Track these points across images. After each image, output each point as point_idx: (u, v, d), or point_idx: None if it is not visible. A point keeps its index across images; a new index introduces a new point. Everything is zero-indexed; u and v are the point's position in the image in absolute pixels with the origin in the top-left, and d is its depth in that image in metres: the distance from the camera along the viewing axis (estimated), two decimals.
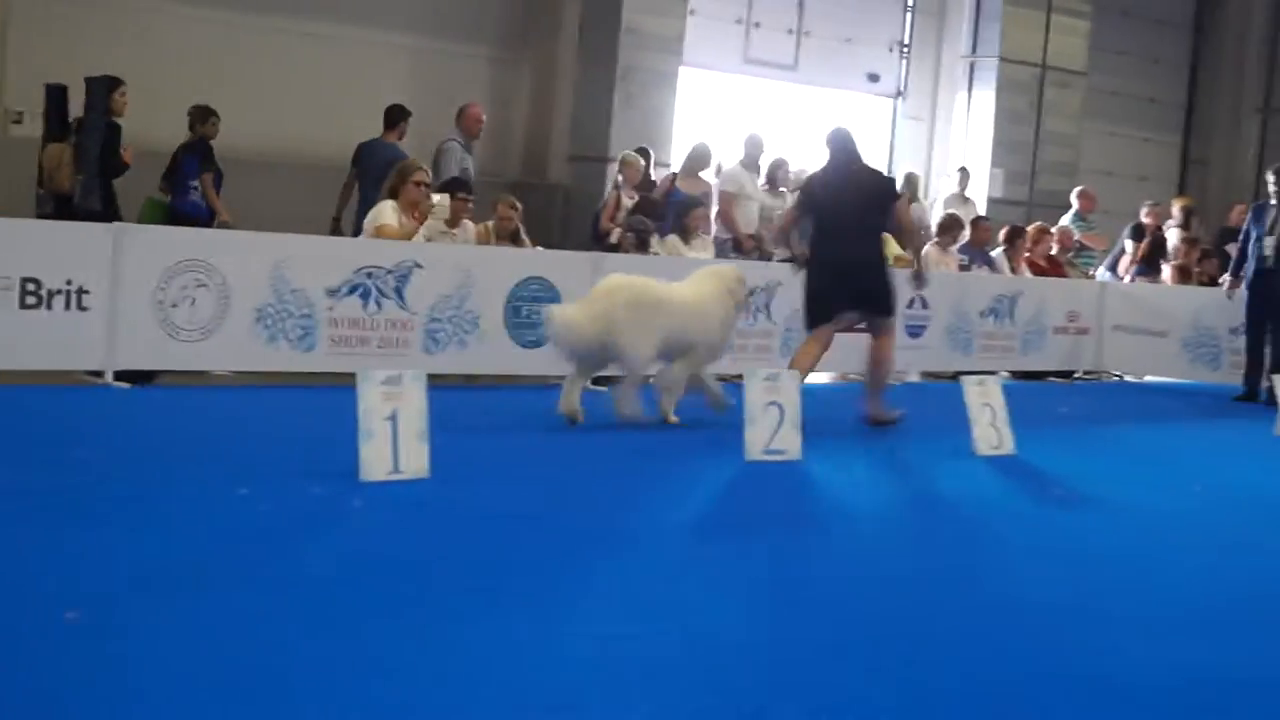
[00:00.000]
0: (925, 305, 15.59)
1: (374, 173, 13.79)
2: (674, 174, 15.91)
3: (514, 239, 13.83)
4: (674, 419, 11.00)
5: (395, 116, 14.67)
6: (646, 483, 8.81)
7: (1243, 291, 15.97)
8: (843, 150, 11.80)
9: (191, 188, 13.75)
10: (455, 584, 6.01)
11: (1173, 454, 11.79)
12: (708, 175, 16.17)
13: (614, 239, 14.66)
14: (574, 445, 10.22)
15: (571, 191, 17.22)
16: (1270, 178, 16.12)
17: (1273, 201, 15.84)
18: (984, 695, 5.03)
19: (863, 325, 11.81)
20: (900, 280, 12.21)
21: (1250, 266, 15.83)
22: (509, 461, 9.28)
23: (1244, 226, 16.50)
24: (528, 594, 5.93)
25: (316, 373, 11.89)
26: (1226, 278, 16.68)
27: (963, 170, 19.67)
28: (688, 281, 11.25)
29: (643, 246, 14.40)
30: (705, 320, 11.01)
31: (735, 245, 15.71)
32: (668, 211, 15.06)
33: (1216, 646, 5.87)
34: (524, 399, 12.68)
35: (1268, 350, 15.72)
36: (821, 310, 11.58)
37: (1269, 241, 15.66)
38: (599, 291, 10.73)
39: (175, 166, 13.86)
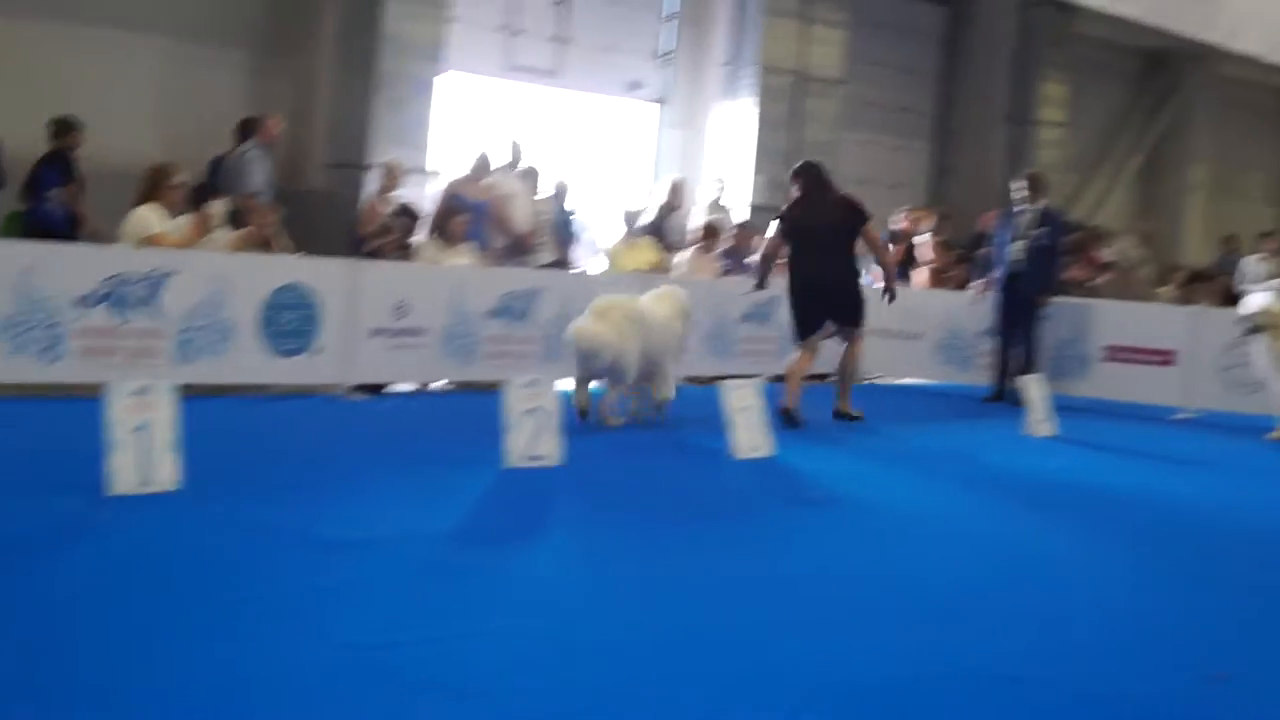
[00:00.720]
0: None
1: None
2: (456, 180, 15.84)
3: (269, 247, 13.65)
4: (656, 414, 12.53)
5: (252, 127, 14.49)
6: (404, 492, 8.74)
7: (992, 295, 16.40)
8: (815, 181, 13.51)
9: (46, 198, 13.38)
10: (206, 598, 5.92)
11: (925, 452, 12.05)
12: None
13: (374, 245, 14.54)
14: (330, 455, 10.14)
15: (330, 198, 17.02)
16: (1017, 184, 16.57)
17: (1018, 208, 16.29)
18: (708, 694, 5.09)
19: (835, 333, 13.43)
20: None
21: (999, 271, 16.25)
22: (263, 472, 9.15)
23: (993, 232, 16.96)
24: (280, 606, 5.87)
25: (65, 385, 11.58)
26: (977, 282, 17.11)
27: (720, 179, 19.90)
28: (650, 300, 12.53)
29: (403, 251, 14.32)
30: (670, 337, 12.43)
31: (516, 247, 15.71)
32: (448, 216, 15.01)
33: (957, 639, 6.02)
34: (280, 409, 12.52)
35: (1015, 352, 16.17)
36: (809, 324, 13.19)
37: (1016, 247, 16.11)
38: (603, 308, 11.97)
39: (33, 178, 13.50)
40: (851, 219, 13.26)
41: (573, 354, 11.96)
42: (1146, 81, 29.06)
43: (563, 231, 16.94)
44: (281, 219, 14.09)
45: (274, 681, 4.89)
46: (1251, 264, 23.12)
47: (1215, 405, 15.85)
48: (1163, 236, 27.95)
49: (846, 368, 13.67)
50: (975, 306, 16.79)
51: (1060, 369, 16.30)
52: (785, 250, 13.50)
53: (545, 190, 16.59)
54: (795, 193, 13.57)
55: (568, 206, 17.16)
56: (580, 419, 11.70)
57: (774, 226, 13.78)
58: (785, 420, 12.58)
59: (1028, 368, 15.64)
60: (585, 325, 11.92)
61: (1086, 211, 26.57)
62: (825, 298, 13.22)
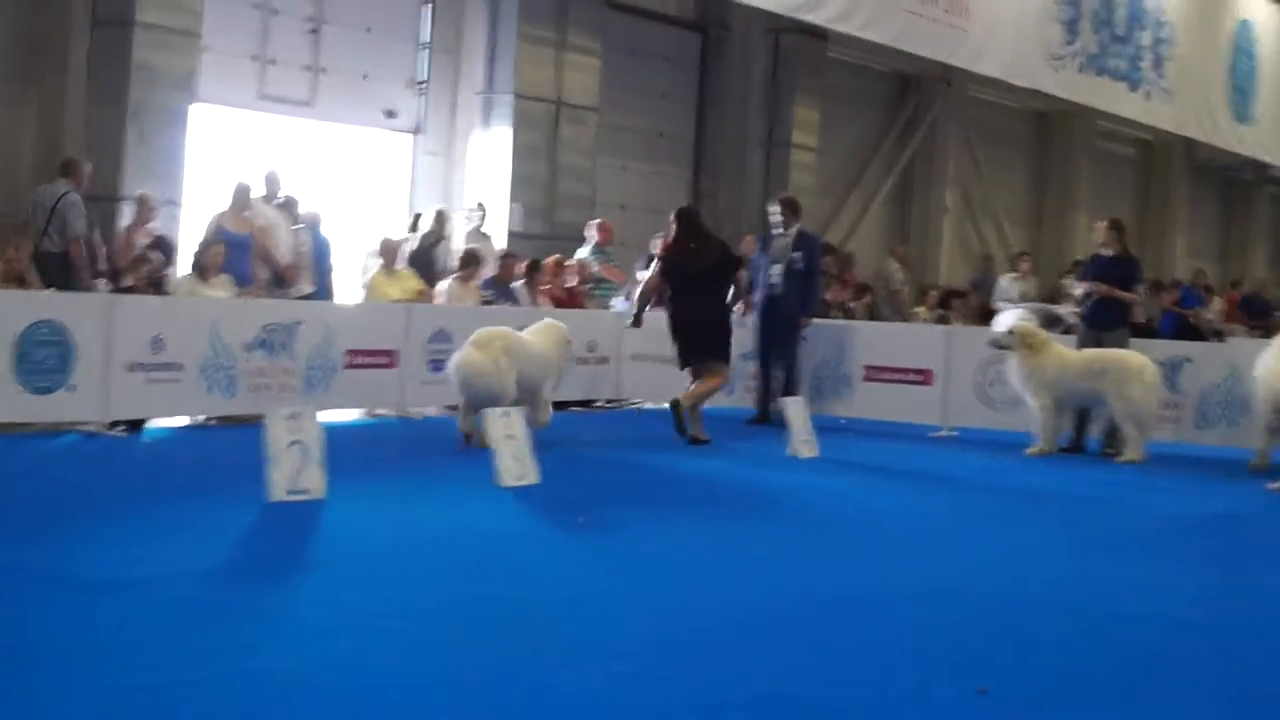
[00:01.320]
0: (448, 339, 15.67)
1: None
2: (219, 213, 15.61)
3: (20, 281, 13.32)
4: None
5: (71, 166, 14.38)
6: (167, 530, 8.58)
7: (752, 318, 16.53)
8: (692, 225, 14.71)
9: None
10: None
11: (693, 478, 12.16)
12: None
13: (129, 279, 14.28)
14: (90, 493, 9.94)
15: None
16: (773, 208, 16.82)
17: (775, 231, 16.56)
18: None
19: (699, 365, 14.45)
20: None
21: (759, 294, 16.49)
22: (17, 513, 8.92)
23: (753, 256, 17.18)
24: (40, 650, 5.74)
25: None
26: (738, 304, 17.34)
27: (480, 205, 19.89)
28: (531, 332, 13.65)
29: (157, 286, 14.08)
30: (548, 366, 13.57)
31: (276, 279, 15.53)
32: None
33: (719, 664, 6.10)
34: (36, 448, 12.22)
35: (776, 374, 16.41)
36: (688, 355, 14.44)
37: (775, 270, 16.36)
38: (484, 339, 12.99)
39: None
40: (726, 263, 14.75)
41: (456, 384, 12.99)
42: (898, 105, 29.72)
43: (321, 263, 16.80)
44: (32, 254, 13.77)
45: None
46: (1005, 283, 23.82)
47: (974, 422, 16.24)
48: (918, 257, 28.67)
49: (700, 395, 14.35)
50: (737, 330, 17.01)
51: (821, 390, 16.59)
52: (665, 288, 14.70)
53: (303, 221, 16.44)
54: (673, 233, 14.71)
55: (324, 237, 17.02)
56: (465, 444, 12.79)
57: (655, 266, 15.07)
58: (690, 441, 13.95)
59: (789, 389, 15.88)
60: (465, 356, 12.95)
61: (842, 234, 27.07)
62: (697, 333, 14.39)
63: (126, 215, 15.94)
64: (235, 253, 15.01)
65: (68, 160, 14.73)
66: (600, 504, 10.24)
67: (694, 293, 14.38)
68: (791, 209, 16.72)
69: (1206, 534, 10.63)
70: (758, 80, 25.55)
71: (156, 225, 15.28)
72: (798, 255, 16.43)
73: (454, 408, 15.26)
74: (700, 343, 14.40)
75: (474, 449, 12.46)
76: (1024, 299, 23.03)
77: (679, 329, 14.49)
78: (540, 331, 13.80)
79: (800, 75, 25.60)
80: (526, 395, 13.13)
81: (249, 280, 15.18)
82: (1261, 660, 6.68)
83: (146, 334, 13.11)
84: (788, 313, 16.39)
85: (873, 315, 22.01)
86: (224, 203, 15.87)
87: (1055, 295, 24.25)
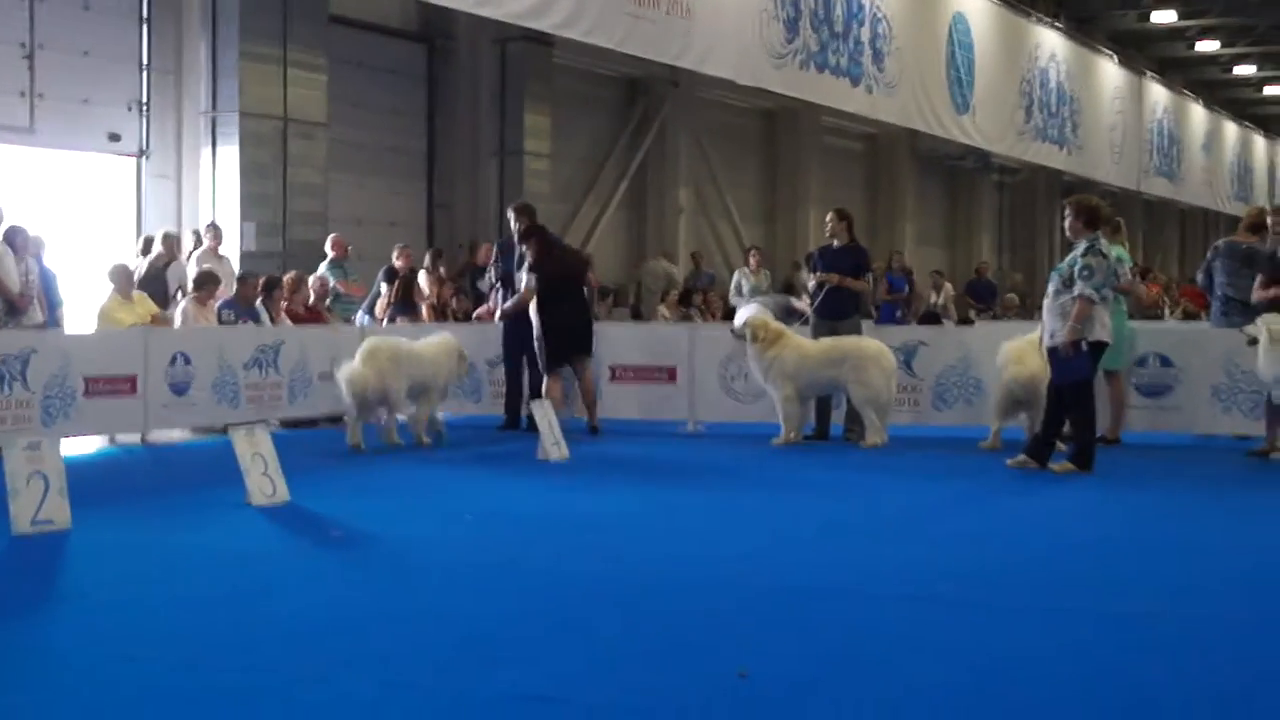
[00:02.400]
0: (189, 361, 15.41)
1: None
2: None
3: None
4: (426, 440, 14.86)
5: None
6: None
7: (501, 324, 16.56)
8: (548, 235, 16.38)
9: None
10: None
11: (444, 486, 12.12)
12: None
13: None
14: None
15: None
16: (510, 215, 16.81)
17: (516, 239, 16.46)
18: None
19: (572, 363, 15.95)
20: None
21: (504, 301, 16.50)
22: None
23: (493, 263, 17.20)
24: None
25: None
26: (480, 310, 17.33)
27: (213, 226, 19.56)
28: (421, 343, 15.03)
29: None
30: (436, 371, 14.79)
31: (9, 309, 15.01)
32: None
33: (480, 663, 6.12)
34: None
35: (525, 379, 16.40)
36: (559, 358, 15.75)
37: (521, 277, 16.20)
38: (371, 349, 14.32)
39: None
40: (583, 267, 16.65)
41: (344, 395, 14.18)
42: (628, 108, 29.99)
43: (50, 293, 16.35)
44: None
45: None
46: (737, 277, 24.18)
47: (720, 417, 16.44)
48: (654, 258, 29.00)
49: (589, 391, 16.05)
50: (484, 336, 17.02)
51: (567, 392, 16.58)
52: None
53: (28, 250, 15.99)
54: (530, 245, 15.86)
55: (48, 267, 16.57)
56: (354, 452, 14.03)
57: (532, 278, 15.78)
58: (593, 430, 15.72)
59: (536, 393, 15.92)
60: (353, 367, 14.16)
61: (581, 238, 27.21)
62: (575, 335, 15.80)
63: None
64: None
65: None
66: (353, 518, 10.15)
67: (568, 297, 15.82)
68: (527, 215, 16.58)
69: (955, 512, 10.92)
70: (486, 89, 25.59)
71: None
72: None
73: (205, 429, 15.16)
74: (580, 342, 15.86)
75: (362, 457, 13.82)
76: (756, 293, 23.43)
77: (559, 332, 15.67)
78: (433, 343, 15.00)
79: (529, 83, 25.71)
80: (418, 397, 14.78)
81: None
82: (1017, 630, 6.89)
83: None
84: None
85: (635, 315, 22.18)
86: None
87: (791, 288, 24.71)
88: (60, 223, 18.39)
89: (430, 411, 15.02)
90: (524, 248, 15.98)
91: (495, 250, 17.40)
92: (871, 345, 14.75)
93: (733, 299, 23.66)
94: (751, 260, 25.14)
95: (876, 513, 10.71)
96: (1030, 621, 7.03)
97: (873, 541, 9.33)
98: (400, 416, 14.95)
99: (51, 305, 16.22)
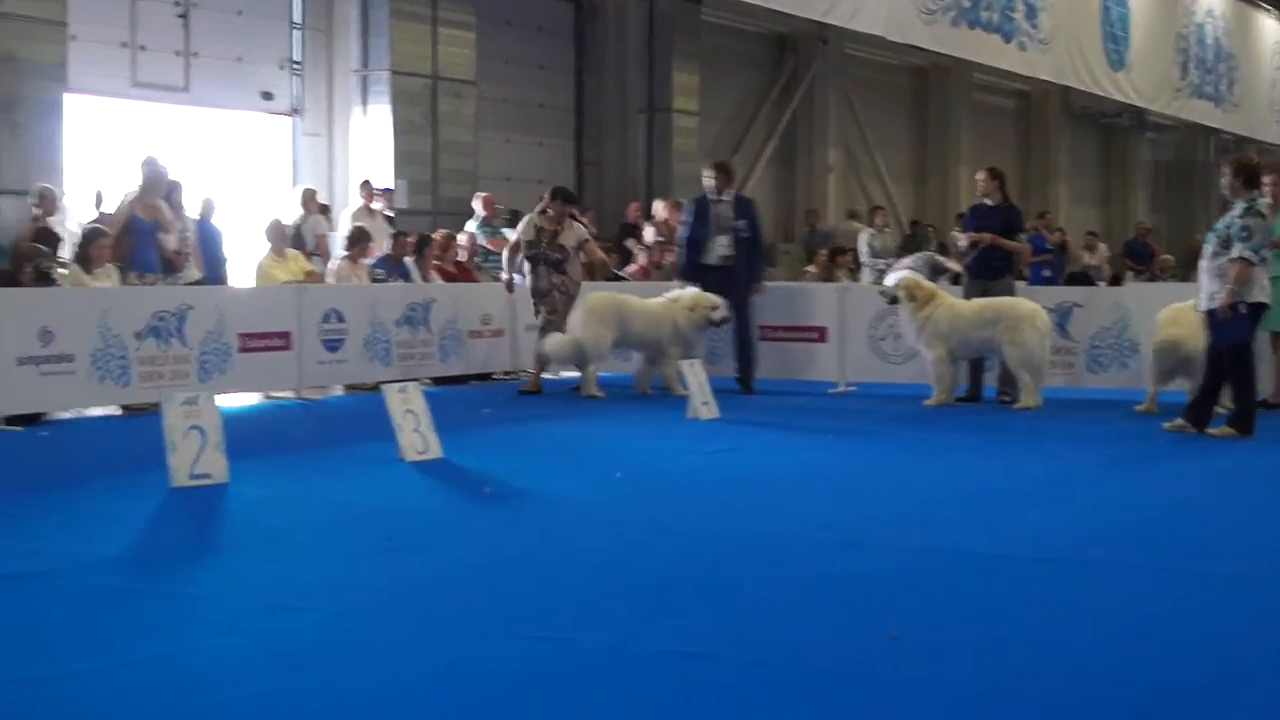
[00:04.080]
0: (342, 319, 15.57)
1: None
2: (127, 201, 15.30)
3: None
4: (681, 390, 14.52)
5: None
6: (67, 521, 8.46)
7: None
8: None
9: None
10: None
11: (594, 444, 12.13)
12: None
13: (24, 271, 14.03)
14: None
15: None
16: (706, 174, 16.21)
17: (711, 198, 15.87)
18: (457, 707, 5.07)
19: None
20: None
21: (688, 263, 16.01)
22: None
23: (684, 227, 16.30)
24: None
25: None
26: (634, 267, 17.18)
27: (366, 184, 19.73)
28: (649, 301, 15.58)
29: (43, 277, 13.83)
30: (659, 325, 15.29)
31: (166, 266, 15.25)
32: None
33: (634, 625, 6.10)
34: None
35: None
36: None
37: (723, 240, 15.73)
38: (592, 305, 15.29)
39: None
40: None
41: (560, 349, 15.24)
42: (776, 66, 29.82)
43: (213, 251, 16.62)
44: None
45: None
46: (865, 239, 23.90)
47: (870, 377, 16.31)
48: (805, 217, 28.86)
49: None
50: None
51: (718, 352, 16.51)
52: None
53: (188, 208, 16.24)
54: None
55: (215, 226, 16.85)
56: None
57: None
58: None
59: (747, 358, 15.86)
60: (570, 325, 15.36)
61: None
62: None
63: (8, 210, 15.70)
64: (143, 240, 14.78)
65: None
66: (504, 474, 10.19)
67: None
68: (725, 174, 16.15)
69: (1109, 476, 10.74)
70: (634, 46, 25.54)
71: (58, 219, 15.04)
72: (742, 223, 15.92)
73: (354, 387, 15.28)
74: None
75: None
76: (884, 253, 23.20)
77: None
78: (658, 301, 15.46)
79: (677, 39, 25.64)
80: (652, 354, 15.47)
81: (156, 267, 14.93)
82: (1169, 594, 6.77)
83: (34, 327, 12.88)
84: (741, 281, 15.86)
85: None
86: (126, 191, 15.46)
87: (944, 249, 24.43)
88: (216, 181, 18.60)
89: (666, 367, 15.20)
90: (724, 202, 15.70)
91: (692, 206, 16.34)
92: (1026, 306, 14.54)
93: (864, 259, 23.43)
94: (877, 220, 24.88)
95: (1028, 476, 10.56)
96: (1183, 585, 6.91)
97: (1023, 505, 9.20)
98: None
99: (215, 262, 16.48)
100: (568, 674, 5.34)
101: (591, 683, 5.24)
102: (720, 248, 15.79)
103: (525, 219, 16.08)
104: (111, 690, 5.06)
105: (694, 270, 15.87)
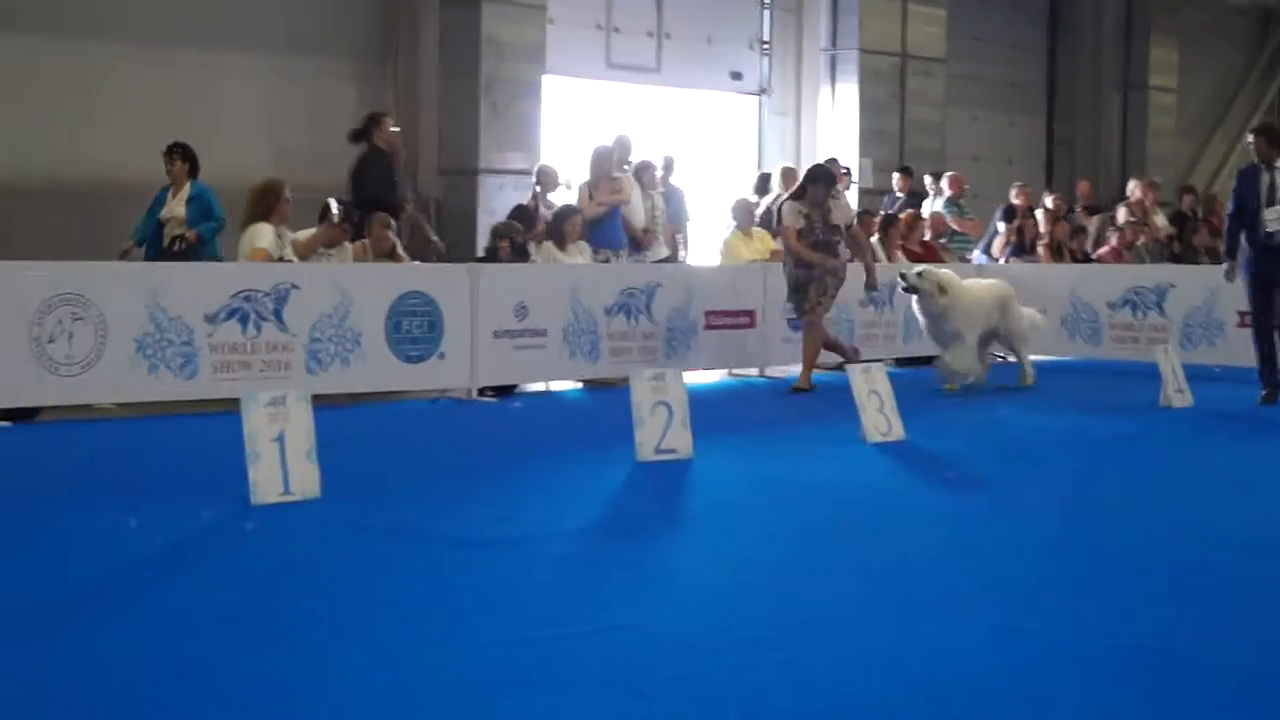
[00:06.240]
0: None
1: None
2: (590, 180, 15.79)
3: (391, 256, 13.70)
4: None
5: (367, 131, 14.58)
6: (539, 490, 8.76)
7: (1242, 274, 13.71)
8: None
9: None
10: (354, 601, 5.94)
11: (1057, 436, 11.83)
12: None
13: (490, 248, 14.59)
14: (463, 456, 10.18)
15: (442, 204, 17.09)
16: (1249, 141, 14.04)
17: (1259, 166, 13.45)
18: (915, 690, 5.03)
19: None
20: None
21: (1255, 237, 13.45)
22: (400, 477, 9.20)
23: (1232, 199, 13.83)
24: (429, 606, 5.87)
25: (200, 400, 11.71)
26: (1105, 249, 16.62)
27: (833, 162, 19.74)
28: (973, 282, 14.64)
29: (520, 254, 14.33)
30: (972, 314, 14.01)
31: (634, 244, 15.66)
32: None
33: (1096, 616, 5.92)
34: (409, 413, 12.61)
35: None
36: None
37: (1272, 214, 13.29)
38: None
39: None
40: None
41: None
42: (1260, 40, 28.59)
43: (676, 226, 16.94)
44: (428, 221, 14.18)
45: (444, 678, 4.89)
46: None
47: None
48: None
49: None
50: (1103, 278, 16.43)
51: (1191, 338, 15.87)
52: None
53: (657, 186, 16.57)
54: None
55: (679, 201, 17.15)
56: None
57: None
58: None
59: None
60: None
61: (1206, 178, 26.18)
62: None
63: (486, 188, 16.32)
64: (608, 217, 15.21)
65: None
66: (969, 459, 10.05)
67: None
68: (1271, 140, 13.55)
69: None
70: (1110, 22, 24.90)
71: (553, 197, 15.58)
72: None
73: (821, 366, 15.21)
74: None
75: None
76: None
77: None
78: (974, 286, 14.45)
79: (1155, 15, 24.90)
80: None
81: (620, 245, 15.34)
82: None
83: (510, 302, 13.36)
84: None
85: None
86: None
87: None
88: (686, 160, 18.90)
89: (966, 354, 13.91)
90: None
91: (1237, 179, 13.87)
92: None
93: None
94: None
95: None
96: None
97: None
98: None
99: (677, 220, 16.84)
100: (1019, 665, 5.20)
101: (1042, 675, 5.09)
102: (1272, 222, 13.33)
103: (786, 206, 14.54)
104: (586, 656, 5.18)
105: (1236, 247, 13.64)
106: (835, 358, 14.76)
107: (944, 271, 14.37)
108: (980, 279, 15.17)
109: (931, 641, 5.45)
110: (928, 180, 19.80)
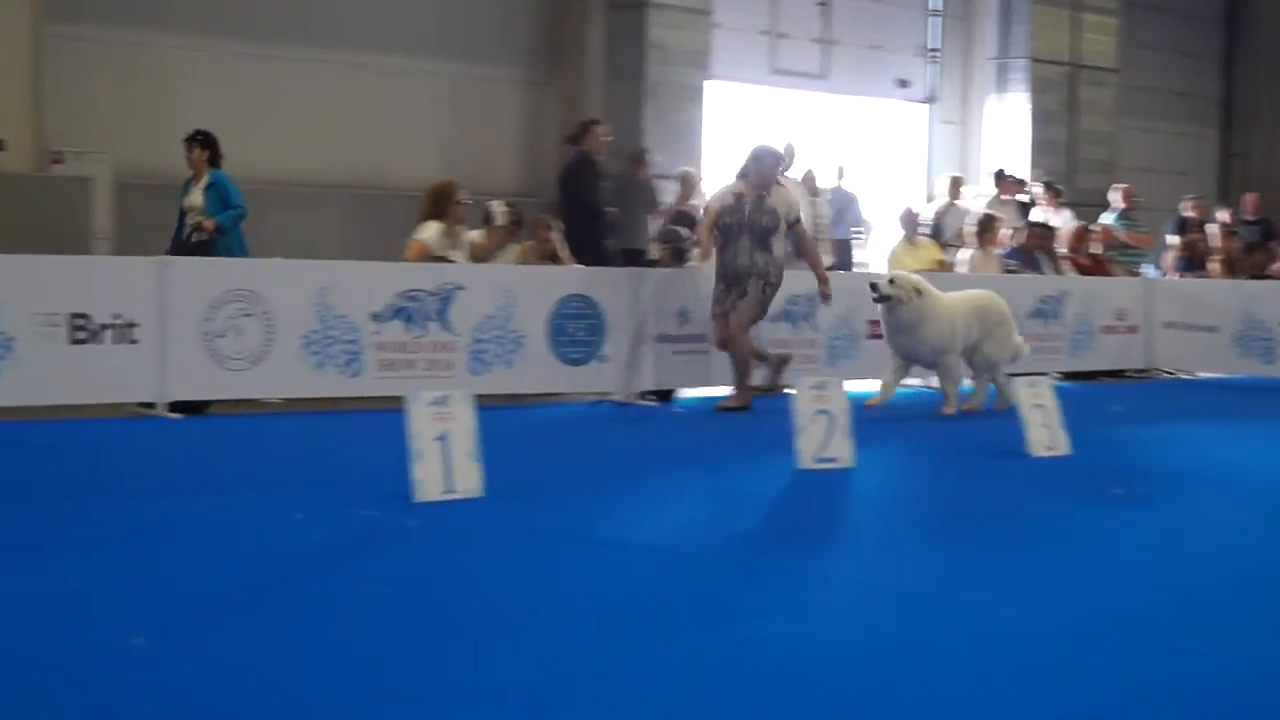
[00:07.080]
0: None
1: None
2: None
3: (553, 258, 13.77)
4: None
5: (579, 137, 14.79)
6: (698, 496, 8.75)
7: None
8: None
9: None
10: (515, 601, 5.95)
11: (1234, 450, 11.59)
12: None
13: (653, 254, 14.62)
14: (623, 459, 10.21)
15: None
16: None
17: None
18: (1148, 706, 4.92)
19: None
20: None
21: None
22: (562, 478, 9.25)
23: None
24: (591, 609, 5.86)
25: (364, 397, 11.88)
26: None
27: (999, 173, 19.54)
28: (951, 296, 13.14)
29: (679, 258, 14.32)
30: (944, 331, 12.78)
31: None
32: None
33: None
34: (570, 416, 12.67)
35: None
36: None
37: None
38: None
39: None
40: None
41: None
42: None
43: (843, 211, 16.92)
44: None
45: (616, 680, 4.88)
46: None
47: None
48: None
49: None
50: (1276, 294, 16.05)
51: None
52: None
53: (823, 193, 16.50)
54: None
55: (846, 210, 17.09)
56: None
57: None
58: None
59: None
60: None
61: None
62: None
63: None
64: None
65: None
66: (1137, 476, 9.86)
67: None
68: None
69: None
70: None
71: (696, 202, 15.59)
72: None
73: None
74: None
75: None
76: None
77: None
78: (955, 298, 13.06)
79: None
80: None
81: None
82: None
83: (673, 307, 13.37)
84: None
85: None
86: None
87: None
88: (852, 167, 18.79)
89: (947, 376, 12.98)
90: None
91: None
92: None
93: None
94: None
95: None
96: None
97: None
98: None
99: (851, 225, 16.81)
100: (1188, 689, 5.07)
101: (1213, 699, 4.96)
102: None
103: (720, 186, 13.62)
104: (753, 663, 5.14)
105: None
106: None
107: (917, 276, 13.29)
108: (966, 290, 13.72)
109: (1091, 662, 5.35)
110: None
